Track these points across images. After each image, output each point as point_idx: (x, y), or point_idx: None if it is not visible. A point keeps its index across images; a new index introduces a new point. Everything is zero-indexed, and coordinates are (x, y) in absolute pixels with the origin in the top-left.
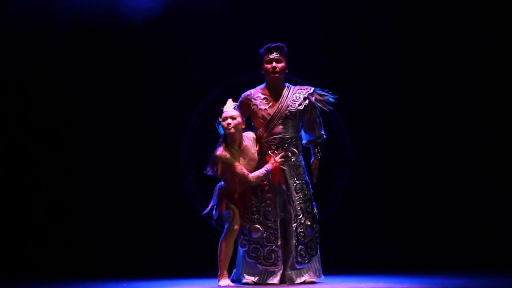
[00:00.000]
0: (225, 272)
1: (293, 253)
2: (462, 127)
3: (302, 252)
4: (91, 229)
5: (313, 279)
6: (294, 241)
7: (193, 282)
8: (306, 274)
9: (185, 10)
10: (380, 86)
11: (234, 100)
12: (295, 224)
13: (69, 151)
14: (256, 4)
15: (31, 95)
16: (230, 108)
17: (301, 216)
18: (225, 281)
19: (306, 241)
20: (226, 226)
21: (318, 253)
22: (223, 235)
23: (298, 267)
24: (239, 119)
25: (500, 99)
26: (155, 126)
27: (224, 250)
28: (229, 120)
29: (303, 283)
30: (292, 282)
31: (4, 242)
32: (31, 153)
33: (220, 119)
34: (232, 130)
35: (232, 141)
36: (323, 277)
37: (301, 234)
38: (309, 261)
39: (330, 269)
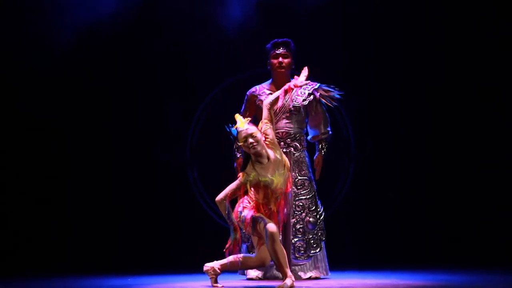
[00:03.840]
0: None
1: (291, 248)
2: (463, 127)
3: (301, 249)
4: (90, 226)
5: (318, 275)
6: (292, 237)
7: (194, 278)
8: (313, 270)
9: (188, 7)
10: (382, 83)
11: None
12: (293, 220)
13: (67, 146)
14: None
15: (30, 92)
16: (244, 126)
17: (301, 212)
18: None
19: (306, 237)
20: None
21: (324, 250)
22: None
23: (296, 263)
24: (258, 134)
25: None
26: (156, 123)
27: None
28: (250, 139)
29: (309, 279)
30: (297, 278)
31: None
32: (27, 147)
33: (239, 143)
34: (258, 147)
35: (260, 157)
36: (330, 273)
37: (300, 230)
38: (309, 258)
39: (335, 265)
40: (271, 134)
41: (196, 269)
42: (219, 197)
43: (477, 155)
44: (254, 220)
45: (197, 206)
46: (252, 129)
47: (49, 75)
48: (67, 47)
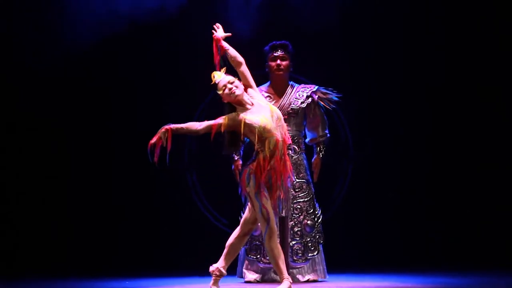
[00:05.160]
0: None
1: (289, 251)
2: (463, 127)
3: (299, 251)
4: (90, 226)
5: (316, 278)
6: (290, 240)
7: (192, 281)
8: (311, 273)
9: (188, 8)
10: (382, 83)
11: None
12: (291, 223)
13: (67, 146)
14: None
15: (30, 92)
16: (221, 76)
17: (299, 215)
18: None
19: (304, 240)
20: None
21: (322, 253)
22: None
23: (294, 266)
24: (236, 80)
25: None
26: (156, 123)
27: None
28: (229, 85)
29: (307, 281)
30: (295, 280)
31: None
32: (27, 147)
33: (218, 92)
34: (238, 91)
35: (243, 104)
36: (327, 276)
37: (298, 233)
38: (307, 260)
39: (333, 268)
40: (250, 91)
41: (195, 271)
42: (198, 127)
43: (477, 155)
44: (260, 201)
45: (196, 208)
46: (229, 77)
47: (49, 75)
48: (67, 47)
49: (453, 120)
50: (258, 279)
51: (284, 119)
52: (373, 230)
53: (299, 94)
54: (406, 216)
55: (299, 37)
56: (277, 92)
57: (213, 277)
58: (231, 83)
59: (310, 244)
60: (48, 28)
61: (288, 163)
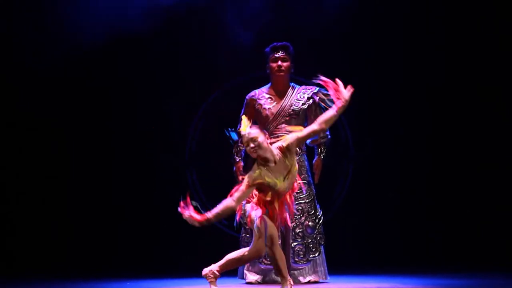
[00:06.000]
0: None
1: (291, 252)
2: (463, 127)
3: (300, 253)
4: (90, 226)
5: (317, 279)
6: (291, 241)
7: (192, 282)
8: (312, 275)
9: (188, 9)
10: (382, 83)
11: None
12: (292, 224)
13: (67, 146)
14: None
15: (30, 92)
16: (246, 129)
17: (300, 216)
18: None
19: (305, 241)
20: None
21: (323, 254)
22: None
23: (295, 267)
24: (260, 138)
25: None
26: (156, 123)
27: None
28: (252, 144)
29: (308, 283)
30: (296, 282)
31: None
32: (27, 147)
33: (240, 145)
34: (260, 151)
35: (266, 161)
36: (329, 278)
37: (300, 234)
38: (308, 262)
39: (334, 269)
40: (289, 140)
41: (195, 271)
42: (232, 202)
43: (477, 155)
44: (256, 217)
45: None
46: (253, 133)
47: (49, 75)
48: (67, 47)
49: (453, 120)
50: (259, 280)
51: (285, 120)
52: (373, 230)
53: (300, 96)
54: (406, 216)
55: (300, 38)
56: (278, 93)
57: (209, 280)
58: (254, 141)
59: (311, 246)
60: (48, 28)
61: (291, 200)
